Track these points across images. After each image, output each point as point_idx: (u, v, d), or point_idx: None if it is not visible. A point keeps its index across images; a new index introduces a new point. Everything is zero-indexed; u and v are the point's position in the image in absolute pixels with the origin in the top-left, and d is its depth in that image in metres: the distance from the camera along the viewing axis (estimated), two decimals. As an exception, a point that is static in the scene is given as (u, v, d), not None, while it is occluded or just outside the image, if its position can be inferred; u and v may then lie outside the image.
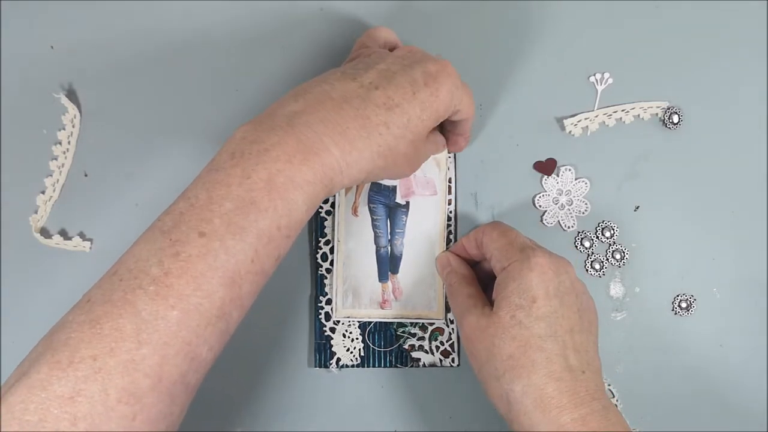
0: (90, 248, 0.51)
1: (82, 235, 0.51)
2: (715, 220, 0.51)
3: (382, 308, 0.50)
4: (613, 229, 0.51)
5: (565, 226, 0.51)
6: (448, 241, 0.51)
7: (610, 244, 0.51)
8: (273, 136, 0.36)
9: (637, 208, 0.52)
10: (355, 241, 0.50)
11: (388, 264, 0.51)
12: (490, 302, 0.44)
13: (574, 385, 0.40)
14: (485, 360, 0.42)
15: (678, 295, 0.51)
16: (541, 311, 0.41)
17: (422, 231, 0.51)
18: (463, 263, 0.49)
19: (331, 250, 0.51)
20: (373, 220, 0.51)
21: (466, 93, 0.44)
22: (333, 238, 0.51)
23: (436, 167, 0.51)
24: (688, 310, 0.51)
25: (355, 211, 0.51)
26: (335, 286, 0.50)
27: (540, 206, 0.51)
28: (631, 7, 0.52)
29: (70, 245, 0.51)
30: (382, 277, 0.51)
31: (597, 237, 0.51)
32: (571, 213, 0.51)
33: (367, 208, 0.51)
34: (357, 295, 0.50)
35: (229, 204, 0.35)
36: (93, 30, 0.52)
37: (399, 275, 0.51)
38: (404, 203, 0.51)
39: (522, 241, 0.45)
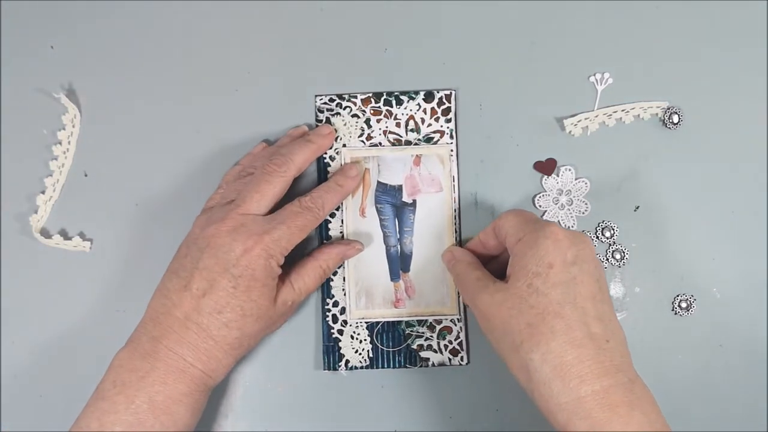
0: (90, 248, 0.51)
1: (82, 235, 0.51)
2: (715, 220, 0.51)
3: (395, 307, 0.50)
4: (613, 229, 0.51)
5: (565, 226, 0.51)
6: (457, 238, 0.51)
7: (610, 244, 0.51)
8: (146, 364, 0.43)
9: (637, 208, 0.52)
10: (364, 242, 0.50)
11: (398, 263, 0.51)
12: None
13: (596, 354, 0.39)
14: (502, 333, 0.42)
15: (678, 295, 0.51)
16: (559, 277, 0.41)
17: (431, 228, 0.51)
18: (467, 252, 0.49)
19: (337, 252, 0.51)
20: (381, 220, 0.51)
21: (298, 220, 0.46)
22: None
23: (440, 164, 0.51)
24: (688, 310, 0.51)
25: (362, 212, 0.51)
26: (348, 289, 0.50)
27: (540, 206, 0.51)
28: (631, 7, 0.52)
29: (70, 245, 0.51)
30: (394, 276, 0.51)
31: (597, 237, 0.51)
32: (571, 213, 0.51)
33: (374, 208, 0.51)
34: (370, 296, 0.50)
35: (119, 428, 0.42)
36: (93, 30, 0.52)
37: (410, 273, 0.51)
38: (411, 201, 0.51)
39: (537, 218, 0.46)
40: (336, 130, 0.51)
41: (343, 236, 0.51)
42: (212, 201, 0.49)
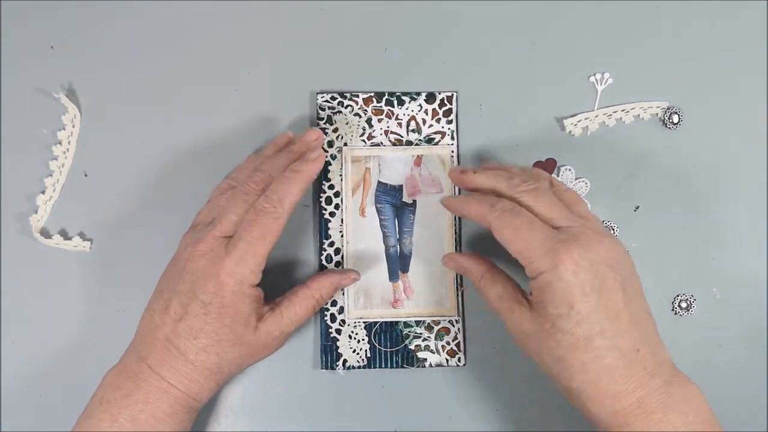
0: (90, 248, 0.51)
1: (82, 235, 0.51)
2: (714, 220, 0.51)
3: (394, 308, 0.50)
4: (613, 229, 0.51)
5: (566, 226, 0.51)
6: (457, 239, 0.51)
7: (610, 244, 0.51)
8: (130, 383, 0.43)
9: (637, 208, 0.52)
10: (364, 242, 0.51)
11: (398, 263, 0.51)
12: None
13: (628, 372, 0.40)
14: (537, 359, 0.43)
15: (678, 295, 0.51)
16: (582, 314, 0.40)
17: (430, 229, 0.51)
18: (477, 260, 0.46)
19: (336, 252, 0.51)
20: (381, 220, 0.51)
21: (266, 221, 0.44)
22: (340, 240, 0.51)
23: (441, 165, 0.51)
24: (688, 310, 0.51)
25: (362, 212, 0.51)
26: (346, 288, 0.50)
27: (540, 206, 0.51)
28: (631, 7, 0.52)
29: (70, 245, 0.51)
30: (393, 276, 0.51)
31: (597, 237, 0.51)
32: (571, 213, 0.51)
33: (374, 208, 0.51)
34: (368, 296, 0.50)
35: None
36: (93, 30, 0.52)
37: (409, 274, 0.51)
38: (411, 202, 0.51)
39: (542, 239, 0.41)
40: (337, 129, 0.51)
41: (342, 235, 0.51)
42: (199, 216, 0.47)
